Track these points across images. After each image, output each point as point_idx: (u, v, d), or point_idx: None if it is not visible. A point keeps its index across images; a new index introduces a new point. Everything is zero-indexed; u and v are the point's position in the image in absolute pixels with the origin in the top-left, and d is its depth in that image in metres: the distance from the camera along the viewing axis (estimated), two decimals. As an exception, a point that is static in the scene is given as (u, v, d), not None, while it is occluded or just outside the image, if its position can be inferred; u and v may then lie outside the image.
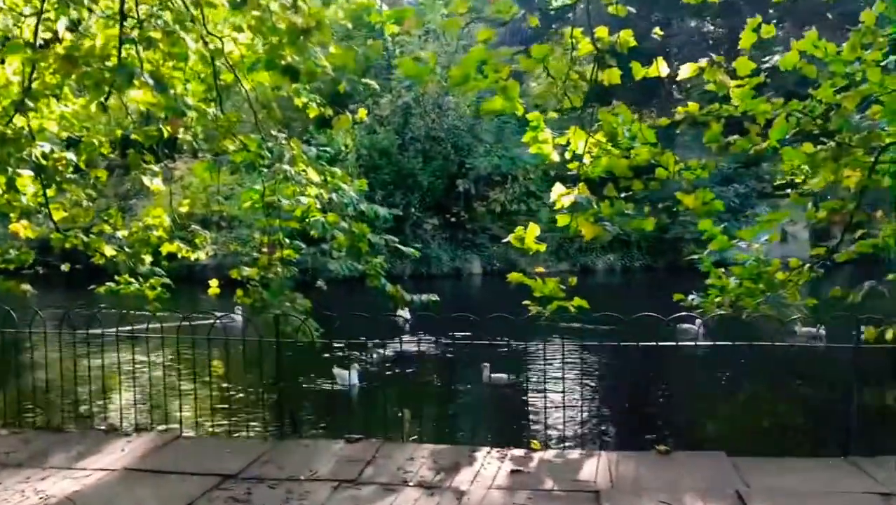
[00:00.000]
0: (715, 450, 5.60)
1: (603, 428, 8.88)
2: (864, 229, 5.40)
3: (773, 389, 7.16)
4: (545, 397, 7.60)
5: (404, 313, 16.60)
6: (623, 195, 5.09)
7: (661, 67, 4.48)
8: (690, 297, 6.19)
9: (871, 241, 5.49)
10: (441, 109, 28.71)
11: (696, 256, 6.31)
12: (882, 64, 4.84)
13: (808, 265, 5.42)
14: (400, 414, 7.79)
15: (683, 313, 6.00)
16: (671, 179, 5.22)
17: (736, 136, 5.02)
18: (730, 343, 5.84)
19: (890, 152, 5.00)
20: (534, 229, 4.51)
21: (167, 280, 6.61)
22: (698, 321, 14.02)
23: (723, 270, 6.05)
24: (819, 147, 5.07)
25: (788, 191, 5.29)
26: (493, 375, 10.96)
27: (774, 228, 5.42)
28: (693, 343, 7.36)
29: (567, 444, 7.53)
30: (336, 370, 10.95)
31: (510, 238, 4.51)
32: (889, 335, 5.63)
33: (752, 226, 5.77)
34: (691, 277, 23.49)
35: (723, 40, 33.33)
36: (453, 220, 28.49)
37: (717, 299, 5.98)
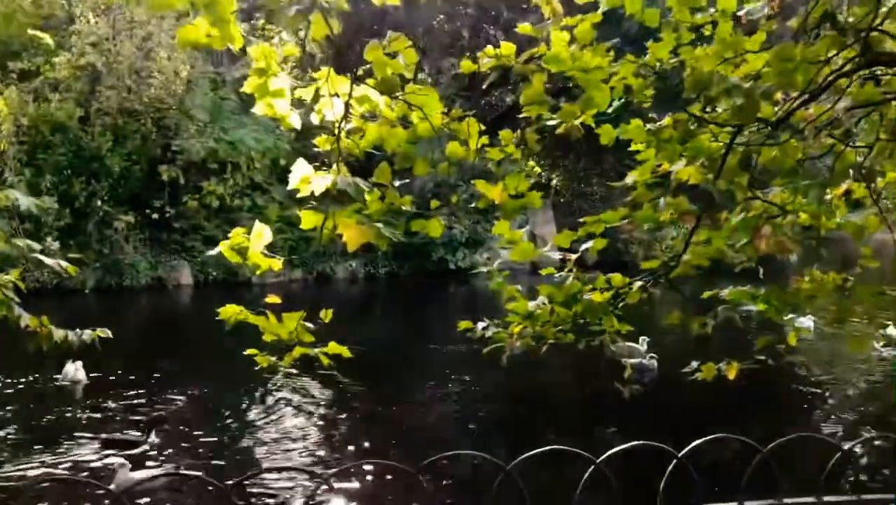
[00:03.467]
0: None
1: None
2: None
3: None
4: None
5: (73, 371, 12.67)
6: (399, 183, 3.85)
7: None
8: (480, 325, 5.18)
9: (706, 249, 4.85)
10: (140, 76, 25.66)
11: (484, 269, 5.32)
12: (738, 14, 4.12)
13: (638, 283, 4.59)
14: None
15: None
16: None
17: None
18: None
19: (744, 137, 4.30)
20: (260, 233, 3.05)
21: None
22: (643, 342, 13.62)
23: (518, 288, 5.10)
24: (661, 123, 4.23)
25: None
26: (134, 476, 8.53)
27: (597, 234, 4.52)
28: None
29: None
30: None
31: (221, 248, 3.01)
32: (732, 373, 5.06)
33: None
34: (438, 285, 23.40)
35: None
36: (155, 217, 25.58)
37: (517, 329, 5.00)
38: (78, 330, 5.65)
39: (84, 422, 11.03)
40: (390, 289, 28.42)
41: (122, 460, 8.67)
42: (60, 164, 23.65)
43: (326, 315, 3.29)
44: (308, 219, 3.27)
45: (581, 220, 4.33)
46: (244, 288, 23.65)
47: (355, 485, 8.60)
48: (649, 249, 26.80)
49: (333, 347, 3.42)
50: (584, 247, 4.37)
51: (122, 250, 24.80)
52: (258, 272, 3.12)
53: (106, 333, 5.74)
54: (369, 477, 8.77)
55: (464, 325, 5.10)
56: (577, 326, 4.96)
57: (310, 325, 3.31)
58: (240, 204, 26.81)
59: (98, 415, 11.39)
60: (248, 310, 3.37)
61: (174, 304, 24.49)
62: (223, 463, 9.46)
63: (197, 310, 23.17)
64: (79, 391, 12.66)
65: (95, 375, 13.09)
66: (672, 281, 4.67)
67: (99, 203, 24.20)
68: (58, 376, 12.92)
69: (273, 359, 3.45)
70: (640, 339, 13.91)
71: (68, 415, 11.45)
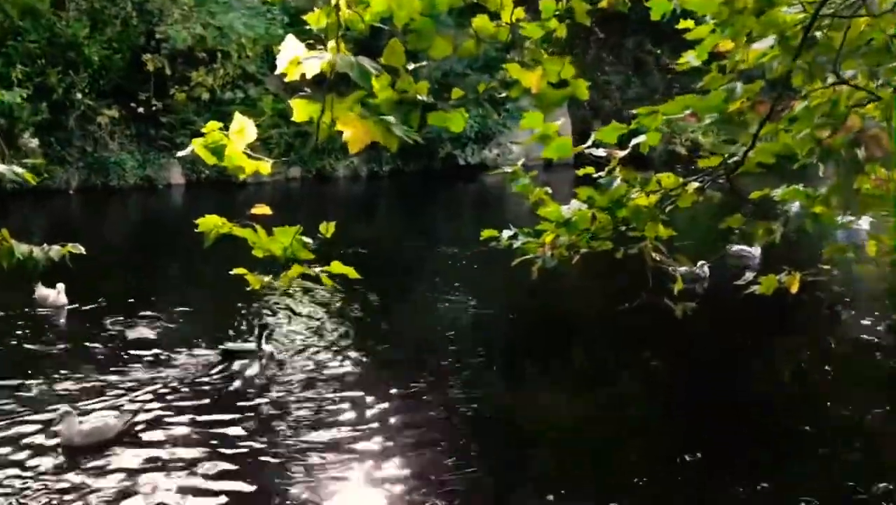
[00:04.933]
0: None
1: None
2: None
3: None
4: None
5: (55, 294, 11.19)
6: (413, 66, 3.32)
7: None
8: (505, 233, 4.76)
9: (771, 145, 4.35)
10: (117, -46, 24.50)
11: (507, 170, 4.84)
12: None
13: (695, 184, 4.11)
14: None
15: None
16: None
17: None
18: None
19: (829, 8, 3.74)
20: (242, 127, 2.56)
21: None
22: (755, 247, 12.65)
23: (547, 190, 4.63)
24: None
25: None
26: (84, 428, 7.55)
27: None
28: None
29: None
30: None
31: (194, 146, 2.53)
32: (795, 286, 4.63)
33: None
34: (446, 183, 22.66)
35: None
36: (141, 110, 24.84)
37: (549, 237, 4.56)
38: (45, 245, 5.20)
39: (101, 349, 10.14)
40: (395, 187, 27.93)
41: (67, 408, 7.66)
42: (33, 52, 22.72)
43: (328, 229, 2.83)
44: (301, 109, 2.76)
45: (633, 111, 3.79)
46: (239, 188, 23.17)
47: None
48: (669, 143, 26.04)
49: (337, 266, 2.99)
50: (634, 142, 3.86)
51: (106, 147, 24.18)
52: (242, 176, 2.64)
53: (78, 248, 5.30)
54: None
55: (487, 233, 4.69)
56: (616, 234, 4.55)
57: (308, 239, 2.86)
58: (231, 96, 25.98)
59: (104, 342, 10.45)
60: (236, 221, 2.91)
61: (165, 205, 24.03)
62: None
63: (189, 212, 22.63)
64: (62, 317, 11.51)
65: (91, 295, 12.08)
66: (733, 183, 4.19)
67: (79, 96, 23.43)
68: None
69: (266, 279, 3.01)
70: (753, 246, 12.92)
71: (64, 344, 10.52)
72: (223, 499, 6.66)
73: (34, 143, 21.66)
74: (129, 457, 7.32)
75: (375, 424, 7.93)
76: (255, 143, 2.76)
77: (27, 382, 8.92)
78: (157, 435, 7.82)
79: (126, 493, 6.72)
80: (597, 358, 10.08)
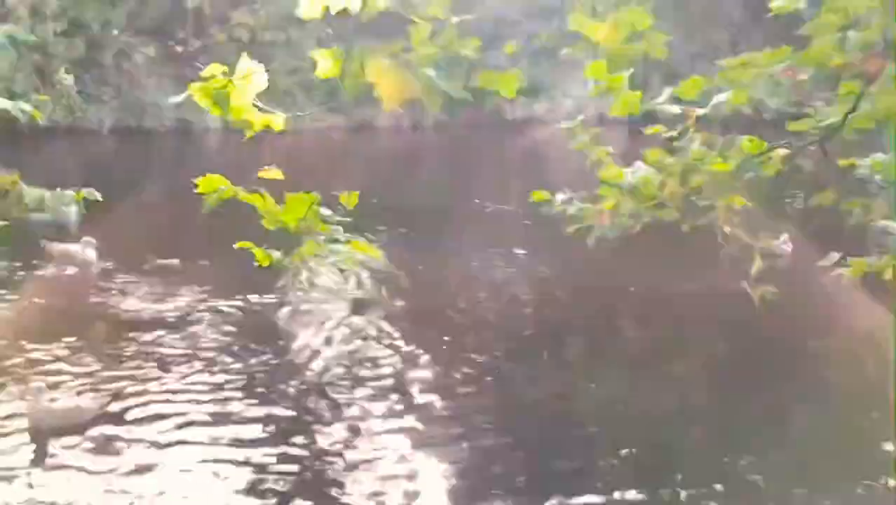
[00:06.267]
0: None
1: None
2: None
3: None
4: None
5: (81, 250, 10.34)
6: (457, 19, 2.96)
7: None
8: (558, 197, 4.36)
9: (874, 107, 3.84)
10: None
11: (568, 124, 4.47)
12: None
13: (782, 151, 3.65)
14: None
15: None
16: None
17: None
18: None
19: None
20: (250, 74, 2.17)
21: None
22: None
23: (609, 150, 4.26)
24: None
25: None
26: (54, 409, 6.62)
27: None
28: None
29: None
30: None
31: (192, 92, 2.15)
32: (889, 273, 4.15)
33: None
34: (497, 137, 21.45)
35: None
36: (179, 49, 24.64)
37: (609, 205, 4.15)
38: (58, 189, 4.93)
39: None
40: (440, 140, 27.36)
41: (38, 384, 6.75)
42: (69, -16, 22.62)
43: (350, 200, 2.44)
44: (326, 62, 2.35)
45: (719, 62, 3.32)
46: (278, 135, 22.78)
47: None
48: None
49: (358, 245, 2.60)
50: (716, 100, 3.39)
51: (142, 87, 24.06)
52: (249, 134, 2.27)
53: (94, 195, 5.04)
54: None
55: (538, 196, 4.32)
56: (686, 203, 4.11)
57: (328, 210, 2.48)
58: (273, 38, 25.63)
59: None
60: (242, 187, 2.53)
61: (201, 150, 23.72)
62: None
63: (226, 158, 22.23)
64: (87, 277, 10.51)
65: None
66: (827, 150, 3.71)
67: (116, 32, 23.31)
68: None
69: (277, 255, 2.64)
70: None
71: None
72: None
73: (69, 79, 21.59)
74: (100, 446, 6.37)
75: (409, 401, 7.44)
76: (295, 89, 2.40)
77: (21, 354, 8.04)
78: (144, 421, 6.79)
79: (88, 490, 5.78)
80: (656, 342, 9.28)
